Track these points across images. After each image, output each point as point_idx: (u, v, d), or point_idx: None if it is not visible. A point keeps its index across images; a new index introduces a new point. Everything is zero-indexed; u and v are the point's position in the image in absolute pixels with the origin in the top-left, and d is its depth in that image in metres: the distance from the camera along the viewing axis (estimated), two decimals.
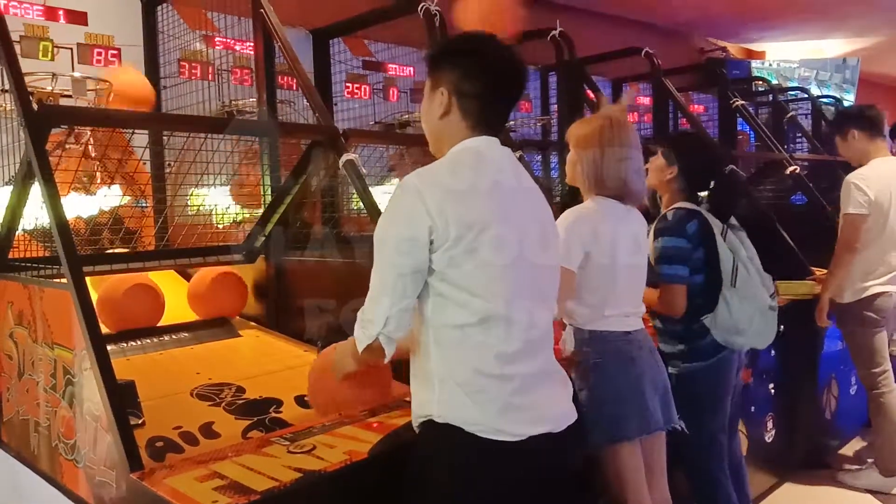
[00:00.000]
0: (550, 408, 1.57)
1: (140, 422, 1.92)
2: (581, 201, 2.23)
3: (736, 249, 2.44)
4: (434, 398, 1.50)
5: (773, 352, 3.27)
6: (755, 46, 9.17)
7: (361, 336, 1.53)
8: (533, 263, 1.56)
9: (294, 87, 3.46)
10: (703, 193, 2.57)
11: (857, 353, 3.49)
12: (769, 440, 3.37)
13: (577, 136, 2.19)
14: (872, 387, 3.45)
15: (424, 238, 1.45)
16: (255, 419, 2.08)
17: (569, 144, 2.22)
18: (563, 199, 3.49)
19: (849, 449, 3.99)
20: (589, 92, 4.42)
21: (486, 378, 1.48)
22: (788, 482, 3.53)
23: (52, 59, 3.01)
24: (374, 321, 1.50)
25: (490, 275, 1.48)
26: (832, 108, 6.99)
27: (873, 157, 3.50)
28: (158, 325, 2.71)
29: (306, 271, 2.76)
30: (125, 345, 2.52)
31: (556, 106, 4.67)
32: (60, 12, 3.08)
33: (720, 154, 2.65)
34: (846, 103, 8.07)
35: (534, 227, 1.60)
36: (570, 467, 1.63)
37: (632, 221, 2.18)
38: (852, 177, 3.43)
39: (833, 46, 9.12)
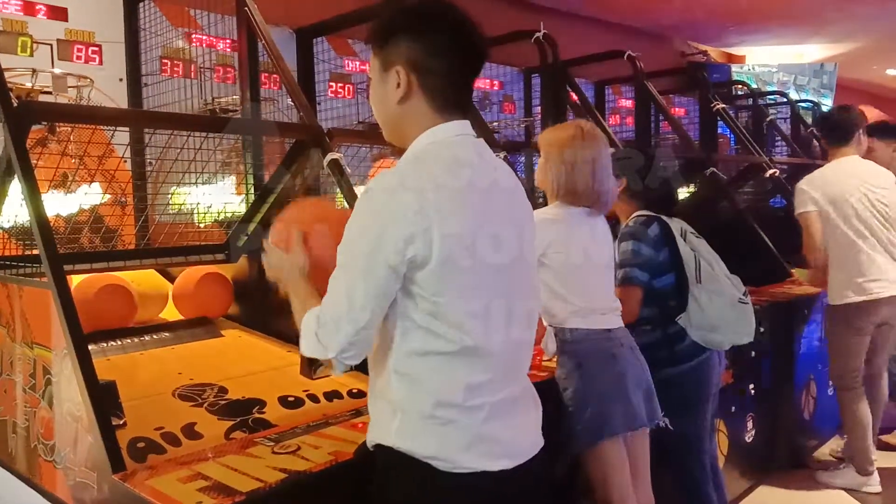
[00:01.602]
0: (520, 438, 1.42)
1: (121, 422, 1.90)
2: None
3: (696, 248, 2.49)
4: (393, 427, 1.35)
5: (752, 352, 3.30)
6: (735, 51, 9.27)
7: (313, 348, 1.34)
8: (514, 274, 1.40)
9: (278, 86, 3.44)
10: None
11: (835, 352, 3.53)
12: (749, 440, 3.41)
13: (547, 141, 2.23)
14: (845, 386, 3.49)
15: (402, 250, 1.25)
16: (238, 420, 2.06)
17: (539, 150, 2.25)
18: (547, 201, 3.50)
19: (827, 449, 4.03)
20: (572, 94, 4.44)
21: (453, 409, 1.32)
22: (768, 482, 3.56)
23: (31, 55, 2.97)
24: (330, 346, 1.31)
25: (470, 298, 1.31)
26: (810, 112, 7.09)
27: (834, 160, 3.60)
28: (140, 324, 2.68)
29: None
30: (105, 344, 2.49)
31: (539, 108, 4.68)
32: (40, 7, 3.04)
33: (658, 154, 2.73)
34: (824, 108, 8.18)
35: (513, 230, 1.42)
36: (538, 493, 1.48)
37: (594, 227, 2.22)
38: (800, 182, 3.57)
39: (811, 52, 9.26)
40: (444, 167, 1.32)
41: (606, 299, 2.21)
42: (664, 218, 2.51)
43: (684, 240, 2.47)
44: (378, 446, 1.39)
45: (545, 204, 2.31)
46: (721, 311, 2.41)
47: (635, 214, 2.55)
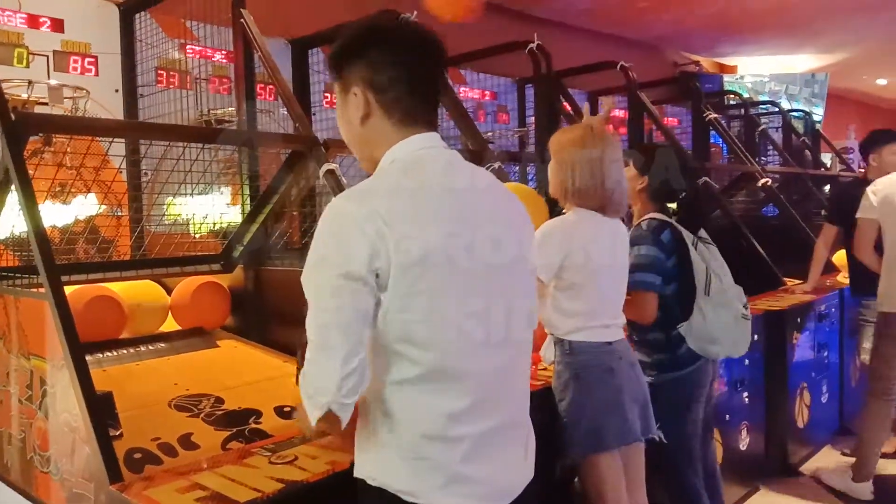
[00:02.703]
0: (504, 476, 1.34)
1: (118, 433, 1.90)
2: (560, 212, 2.25)
3: (707, 260, 2.48)
4: (371, 459, 1.30)
5: (746, 361, 3.32)
6: (727, 61, 9.35)
7: (311, 409, 1.22)
8: (498, 281, 1.32)
9: (273, 97, 3.46)
10: (673, 205, 2.60)
11: (882, 357, 3.56)
12: (744, 448, 3.42)
13: (557, 145, 2.20)
14: (881, 393, 3.52)
15: (367, 272, 1.19)
16: (235, 430, 2.06)
17: (550, 154, 2.23)
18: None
19: (821, 456, 4.05)
20: (565, 104, 4.47)
21: (433, 443, 1.25)
22: (762, 489, 3.57)
23: (28, 66, 2.98)
24: (322, 390, 1.20)
25: (442, 319, 1.24)
26: (802, 122, 7.15)
27: None
28: (136, 335, 2.68)
29: (285, 281, 2.75)
30: (101, 355, 2.49)
31: (533, 118, 4.72)
32: (38, 19, 3.05)
33: (690, 166, 2.69)
34: (815, 117, 8.25)
35: (493, 236, 1.33)
36: None
37: (613, 232, 2.19)
38: (870, 186, 3.62)
39: (802, 62, 9.34)
40: (403, 181, 1.28)
41: (612, 313, 2.18)
42: (676, 224, 2.49)
43: (695, 249, 2.47)
44: (357, 480, 1.34)
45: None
46: (724, 324, 2.41)
47: (648, 217, 2.51)
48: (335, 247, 1.21)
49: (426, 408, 1.25)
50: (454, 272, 1.25)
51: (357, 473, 1.33)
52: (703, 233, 2.57)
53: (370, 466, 1.30)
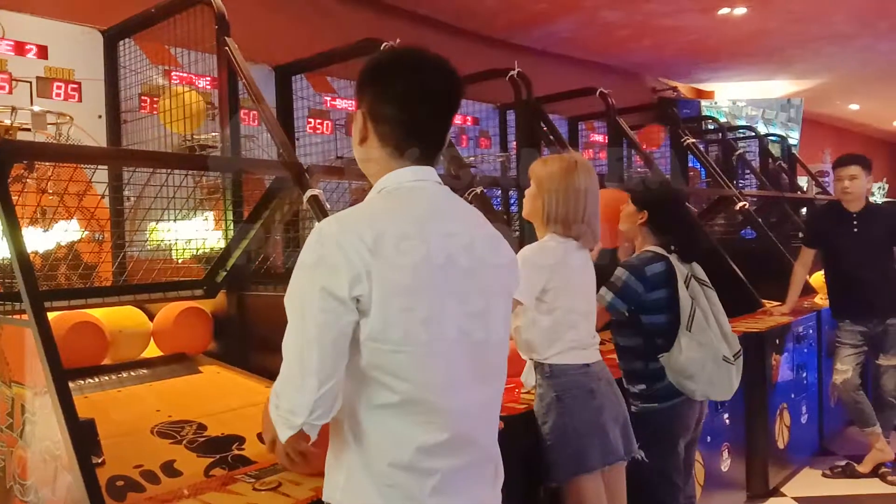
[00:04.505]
0: None
1: (100, 460, 1.89)
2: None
3: (696, 297, 2.50)
4: (340, 483, 1.29)
5: None
6: (705, 86, 9.51)
7: (282, 426, 1.24)
8: (479, 322, 1.32)
9: (257, 123, 3.48)
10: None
11: None
12: (725, 469, 3.44)
13: (540, 173, 2.25)
14: None
15: (348, 297, 1.20)
16: (218, 457, 2.06)
17: (530, 179, 2.27)
18: (522, 234, 3.56)
19: (802, 476, 4.08)
20: (546, 129, 4.53)
21: (403, 472, 1.24)
22: None
23: (10, 93, 2.98)
24: (296, 410, 1.21)
25: (418, 353, 1.24)
26: (778, 146, 7.28)
27: None
28: (118, 362, 2.67)
29: (268, 307, 2.75)
30: (83, 382, 2.47)
31: (514, 143, 4.77)
32: (24, 46, 3.06)
33: (684, 199, 2.76)
34: (791, 141, 8.40)
35: (491, 246, 1.38)
36: None
37: (583, 258, 2.26)
38: None
39: (778, 87, 9.53)
40: (388, 211, 1.30)
41: (588, 334, 2.24)
42: (672, 259, 2.52)
43: (687, 286, 2.49)
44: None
45: (518, 237, 2.35)
46: (700, 362, 2.42)
47: (644, 248, 2.58)
48: (320, 269, 1.22)
49: (398, 437, 1.25)
50: (446, 283, 1.27)
51: (326, 498, 1.33)
52: (702, 274, 2.59)
53: (340, 491, 1.29)
